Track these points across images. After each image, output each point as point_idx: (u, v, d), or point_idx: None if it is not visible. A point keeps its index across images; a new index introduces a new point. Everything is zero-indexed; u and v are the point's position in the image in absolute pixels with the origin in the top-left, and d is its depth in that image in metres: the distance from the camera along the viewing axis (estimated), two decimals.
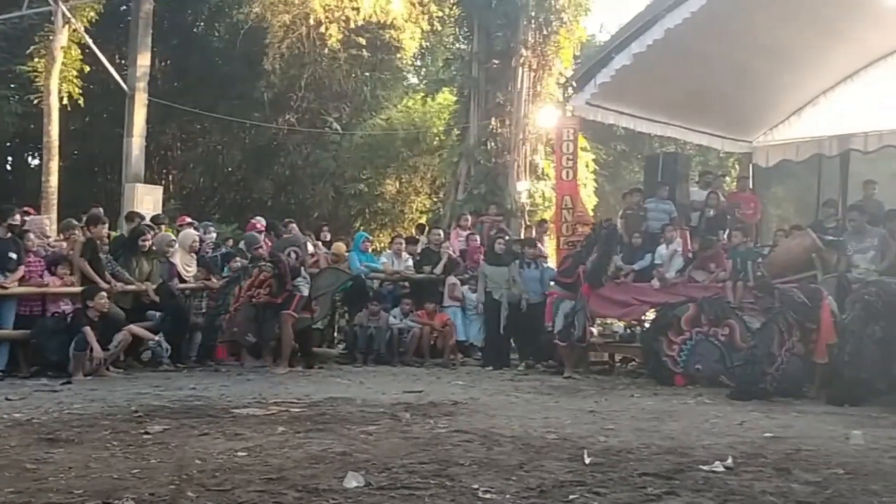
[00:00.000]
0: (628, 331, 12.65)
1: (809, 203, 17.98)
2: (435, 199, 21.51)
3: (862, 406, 7.65)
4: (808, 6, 12.31)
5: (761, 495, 4.20)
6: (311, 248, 11.79)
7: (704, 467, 4.80)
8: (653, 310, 10.97)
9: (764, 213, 15.99)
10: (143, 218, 11.68)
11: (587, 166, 18.74)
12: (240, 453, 4.97)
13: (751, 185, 15.35)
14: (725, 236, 11.89)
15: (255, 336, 10.26)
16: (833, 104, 15.18)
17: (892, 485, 4.48)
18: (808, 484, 4.46)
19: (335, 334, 12.56)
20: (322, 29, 19.03)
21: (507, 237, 12.55)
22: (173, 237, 11.29)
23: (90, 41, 16.76)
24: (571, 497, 4.09)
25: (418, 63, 24.87)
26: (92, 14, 16.96)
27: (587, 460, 4.92)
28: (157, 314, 10.05)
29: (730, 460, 4.93)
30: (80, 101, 17.11)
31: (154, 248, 10.52)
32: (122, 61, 18.89)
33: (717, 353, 9.50)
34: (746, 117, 15.48)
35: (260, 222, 11.69)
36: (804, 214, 18.37)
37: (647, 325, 11.54)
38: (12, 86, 18.36)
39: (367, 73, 21.23)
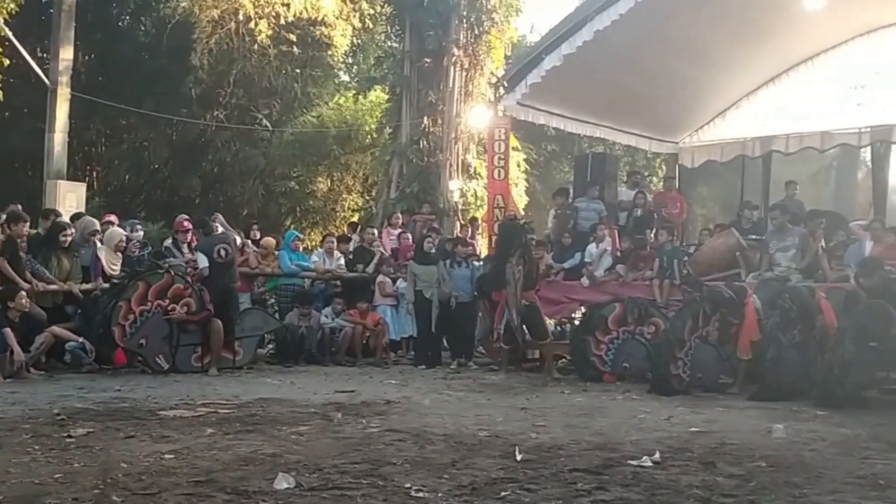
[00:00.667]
0: (559, 328, 12.79)
1: (733, 203, 18.49)
2: (367, 198, 21.45)
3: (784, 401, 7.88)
4: (732, 11, 12.61)
5: (688, 489, 4.28)
6: (237, 241, 11.58)
7: (633, 462, 4.88)
8: (582, 307, 11.12)
9: (690, 213, 16.37)
10: (59, 214, 11.32)
11: (518, 166, 18.91)
12: (167, 456, 4.88)
13: (677, 185, 15.67)
14: (652, 235, 12.12)
15: (168, 361, 9.64)
16: (756, 107, 15.61)
17: (812, 476, 4.62)
18: (732, 477, 4.57)
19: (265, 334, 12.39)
20: (251, 25, 18.81)
21: (436, 236, 12.56)
22: (96, 223, 11.02)
23: (10, 34, 16.24)
24: (503, 494, 4.11)
25: (350, 60, 24.75)
26: (12, 6, 16.43)
27: (518, 457, 4.96)
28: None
29: (657, 455, 5.01)
30: (0, 95, 16.58)
31: (76, 237, 10.20)
32: (44, 55, 18.37)
33: (643, 350, 9.66)
34: (673, 119, 15.81)
35: (186, 220, 11.45)
36: (728, 214, 18.89)
37: (577, 322, 11.71)
38: None
39: (298, 70, 21.04)
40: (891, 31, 13.84)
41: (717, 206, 25.99)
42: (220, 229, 11.23)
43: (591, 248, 11.57)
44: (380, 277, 12.27)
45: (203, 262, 10.20)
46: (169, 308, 9.63)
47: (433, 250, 11.69)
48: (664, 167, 19.65)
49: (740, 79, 15.04)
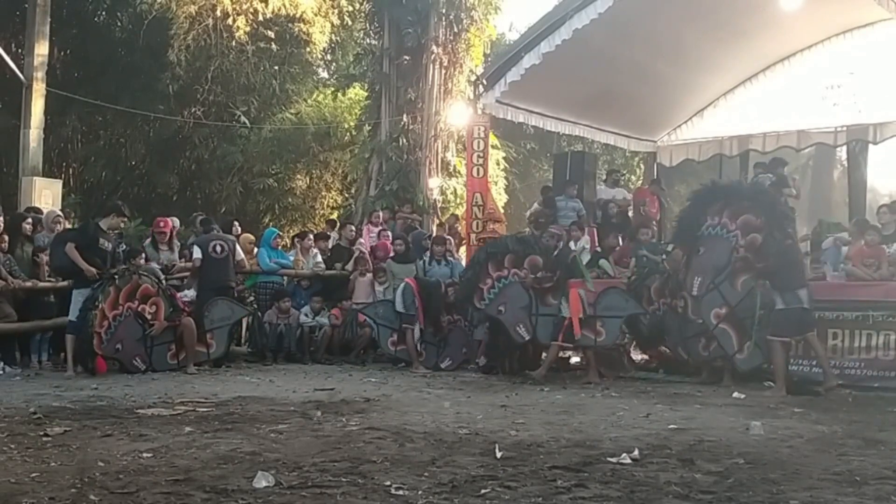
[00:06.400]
0: None
1: None
2: (346, 195, 21.34)
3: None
4: (710, 10, 12.70)
5: (666, 486, 4.31)
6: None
7: (612, 459, 4.90)
8: None
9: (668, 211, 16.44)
10: (39, 212, 11.38)
11: (497, 164, 18.92)
12: (145, 454, 4.85)
13: (661, 186, 15.73)
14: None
15: (145, 362, 9.58)
16: (733, 106, 15.72)
17: (789, 473, 4.66)
18: (710, 474, 4.60)
19: (244, 332, 12.32)
20: (229, 21, 18.66)
21: (408, 236, 12.52)
22: (59, 213, 11.19)
23: None
24: (483, 491, 4.12)
25: (328, 57, 24.60)
26: None
27: (498, 454, 4.97)
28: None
29: (636, 452, 5.04)
30: None
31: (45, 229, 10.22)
32: (19, 50, 18.14)
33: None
34: (651, 117, 15.89)
35: (164, 221, 11.36)
36: None
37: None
38: None
39: (276, 67, 20.87)
40: (865, 32, 13.99)
41: None
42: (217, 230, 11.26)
43: (570, 245, 11.60)
44: (360, 277, 12.23)
45: (197, 253, 10.45)
46: (139, 308, 9.56)
47: (402, 248, 11.71)
48: (642, 165, 19.73)
49: (718, 78, 15.14)
